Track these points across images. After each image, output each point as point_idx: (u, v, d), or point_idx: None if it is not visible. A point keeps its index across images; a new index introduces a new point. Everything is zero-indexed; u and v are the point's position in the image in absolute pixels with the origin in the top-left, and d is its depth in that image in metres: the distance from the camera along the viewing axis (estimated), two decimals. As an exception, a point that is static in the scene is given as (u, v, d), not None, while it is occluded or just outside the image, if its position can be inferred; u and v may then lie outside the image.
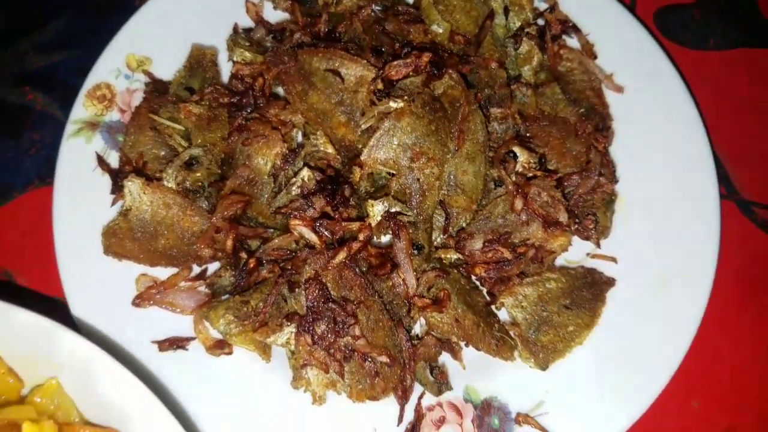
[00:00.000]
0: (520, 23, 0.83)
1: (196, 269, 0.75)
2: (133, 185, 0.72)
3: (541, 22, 0.86)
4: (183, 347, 0.70)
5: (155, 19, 0.85)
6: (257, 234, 0.74)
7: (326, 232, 0.69)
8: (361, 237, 0.69)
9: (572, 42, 0.87)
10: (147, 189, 0.72)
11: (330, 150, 0.76)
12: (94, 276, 0.73)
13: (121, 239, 0.72)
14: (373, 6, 0.82)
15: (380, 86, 0.74)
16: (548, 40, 0.83)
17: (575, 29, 0.87)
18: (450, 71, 0.73)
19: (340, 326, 0.64)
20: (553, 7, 0.88)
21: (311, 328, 0.64)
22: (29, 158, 0.87)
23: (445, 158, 0.71)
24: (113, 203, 0.76)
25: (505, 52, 0.80)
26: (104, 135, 0.80)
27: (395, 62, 0.74)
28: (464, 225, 0.72)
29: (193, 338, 0.71)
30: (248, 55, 0.79)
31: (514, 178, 0.72)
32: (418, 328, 0.71)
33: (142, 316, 0.72)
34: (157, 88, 0.82)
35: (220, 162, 0.76)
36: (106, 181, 0.77)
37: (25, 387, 0.59)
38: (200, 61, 0.82)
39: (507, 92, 0.76)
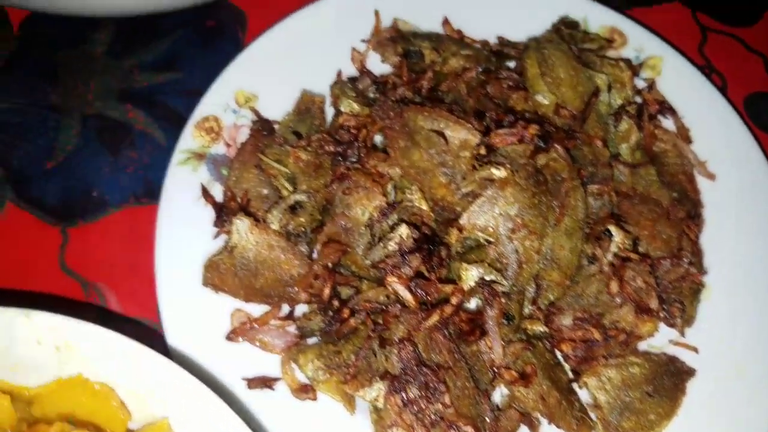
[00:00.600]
0: (621, 101, 0.85)
1: (285, 308, 0.78)
2: (242, 224, 0.74)
3: (638, 99, 0.88)
4: (270, 387, 0.73)
5: (264, 57, 0.88)
6: (349, 282, 0.76)
7: (421, 293, 0.71)
8: (453, 301, 0.70)
9: (667, 123, 0.88)
10: (254, 229, 0.74)
11: (424, 207, 0.78)
12: (190, 306, 0.76)
13: (223, 274, 0.75)
14: (478, 68, 0.85)
15: (483, 152, 0.76)
16: (645, 120, 0.85)
17: (671, 111, 0.88)
18: (556, 146, 0.75)
19: (432, 392, 0.66)
20: (651, 86, 0.89)
21: (403, 390, 0.66)
22: (126, 176, 0.90)
23: (545, 232, 0.72)
24: (216, 236, 0.79)
25: (607, 129, 0.82)
26: (209, 166, 0.83)
27: (501, 131, 0.76)
28: (553, 298, 0.74)
29: (280, 379, 0.73)
30: (356, 107, 0.81)
31: (609, 258, 0.74)
32: (497, 397, 0.73)
33: (233, 350, 0.74)
34: (262, 126, 0.85)
35: (321, 208, 0.79)
36: (209, 212, 0.80)
37: (133, 422, 0.61)
38: (309, 107, 0.84)
39: (610, 172, 0.78)
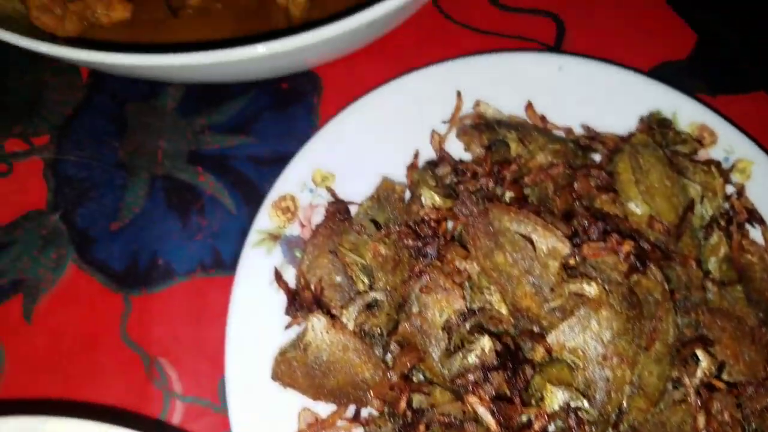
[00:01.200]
0: (712, 211, 0.82)
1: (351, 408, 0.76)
2: (318, 323, 0.72)
3: (726, 205, 0.85)
4: (338, 493, 0.70)
5: (341, 134, 0.86)
6: (422, 389, 0.73)
7: (502, 416, 0.68)
8: (536, 427, 0.68)
9: (755, 233, 0.85)
10: (330, 329, 0.72)
11: (504, 311, 0.76)
12: (258, 398, 0.74)
13: (294, 371, 0.73)
14: (565, 164, 0.82)
15: (573, 262, 0.73)
16: (734, 230, 0.82)
17: (760, 221, 0.85)
18: (652, 267, 0.72)
19: None
20: (740, 192, 0.86)
21: None
22: (194, 244, 0.88)
23: (637, 360, 0.70)
24: (287, 326, 0.76)
25: (699, 244, 0.79)
26: (283, 248, 0.81)
27: (594, 244, 0.73)
28: (636, 424, 0.71)
29: (347, 487, 0.71)
30: (437, 199, 0.79)
31: (695, 384, 0.71)
32: None
33: (300, 452, 0.72)
34: (338, 209, 0.82)
35: (397, 306, 0.76)
36: (282, 297, 0.78)
37: None
38: (388, 195, 0.82)
39: (703, 295, 0.75)
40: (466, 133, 0.84)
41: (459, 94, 0.89)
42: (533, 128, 0.87)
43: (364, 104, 0.88)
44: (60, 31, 0.82)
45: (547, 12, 1.04)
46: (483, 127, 0.85)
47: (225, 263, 0.87)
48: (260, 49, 0.71)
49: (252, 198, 0.90)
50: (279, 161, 0.92)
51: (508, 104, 0.90)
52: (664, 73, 1.00)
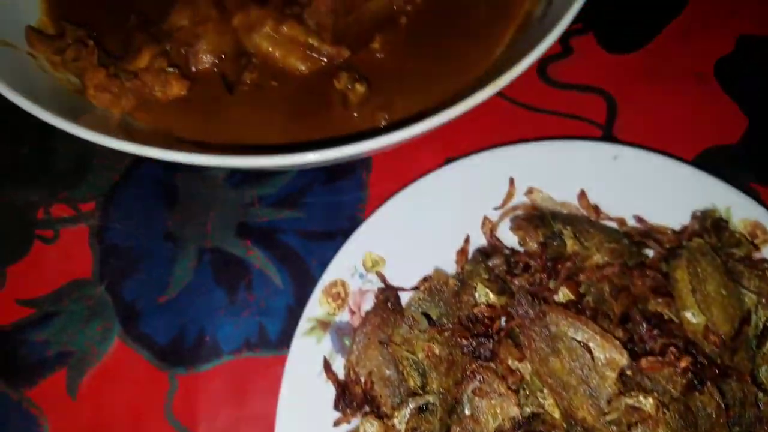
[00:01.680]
0: (765, 318, 0.81)
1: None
2: (370, 428, 0.71)
3: None
4: None
5: (393, 218, 0.85)
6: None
7: None
8: None
9: (807, 337, 0.84)
10: (383, 434, 0.71)
11: (557, 416, 0.75)
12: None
13: (344, 473, 0.72)
14: (620, 263, 0.81)
15: (630, 373, 0.73)
16: (787, 336, 0.81)
17: (814, 325, 0.84)
18: (710, 385, 0.71)
19: None
20: (794, 295, 0.85)
21: None
22: (241, 321, 0.88)
23: (692, 478, 0.69)
24: (335, 424, 0.76)
25: (752, 354, 0.78)
26: (333, 336, 0.80)
27: (652, 358, 0.72)
28: None
29: None
30: (492, 297, 0.78)
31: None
32: None
33: None
34: (389, 297, 0.82)
35: (449, 407, 0.76)
36: (331, 389, 0.77)
37: None
38: (441, 289, 0.81)
39: (758, 413, 0.74)
40: (521, 228, 0.84)
41: (511, 181, 0.88)
42: (587, 221, 0.86)
43: (415, 189, 0.87)
44: (115, 108, 0.81)
45: (597, 89, 1.03)
46: (537, 220, 0.84)
47: (271, 342, 0.86)
48: (318, 156, 0.70)
49: (299, 274, 0.90)
50: (327, 237, 0.92)
51: (560, 192, 0.89)
52: (714, 157, 0.99)
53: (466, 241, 0.87)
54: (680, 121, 1.02)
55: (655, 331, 0.76)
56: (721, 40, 1.09)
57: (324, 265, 0.88)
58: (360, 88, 0.83)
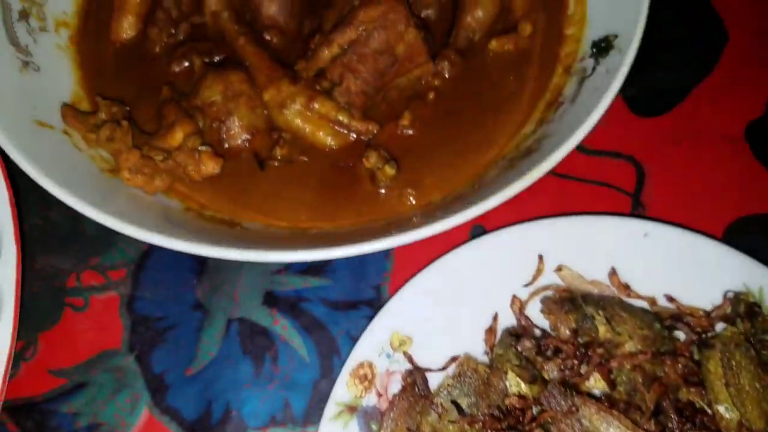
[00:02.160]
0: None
1: None
2: None
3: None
4: None
5: (422, 296, 0.85)
6: None
7: None
8: None
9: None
10: None
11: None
12: None
13: None
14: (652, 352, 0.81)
15: (661, 470, 0.73)
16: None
17: None
18: (744, 487, 0.71)
19: None
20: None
21: None
22: (267, 394, 0.88)
23: None
24: None
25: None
26: (359, 421, 0.80)
27: (685, 459, 0.72)
28: None
29: None
30: (524, 387, 0.78)
31: None
32: None
33: None
34: (416, 379, 0.82)
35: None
36: (358, 478, 0.78)
37: None
38: (470, 375, 0.81)
39: None
40: (552, 313, 0.83)
41: (541, 258, 0.88)
42: (618, 303, 0.85)
43: (442, 264, 0.87)
44: (149, 189, 0.82)
45: (626, 155, 1.03)
46: (569, 304, 0.84)
47: (296, 419, 0.86)
48: (344, 252, 0.71)
49: (324, 345, 0.90)
50: (352, 306, 0.92)
51: (590, 268, 0.88)
52: (746, 226, 0.98)
53: (495, 319, 0.86)
54: (711, 188, 1.01)
55: (687, 425, 0.75)
56: (752, 102, 1.07)
57: (349, 335, 0.89)
58: (389, 170, 0.83)
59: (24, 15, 0.90)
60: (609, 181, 1.01)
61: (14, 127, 0.77)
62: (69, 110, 0.84)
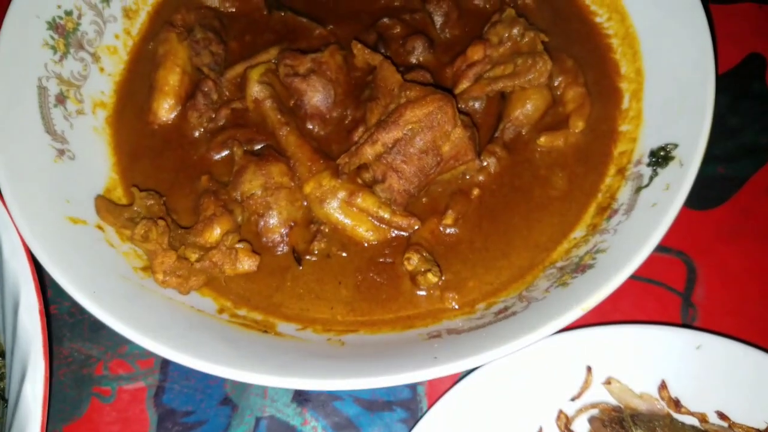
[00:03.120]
0: None
1: None
2: None
3: None
4: None
5: (461, 408, 0.81)
6: None
7: None
8: None
9: None
10: None
11: None
12: None
13: None
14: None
15: None
16: None
17: None
18: None
19: None
20: None
21: None
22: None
23: None
24: None
25: None
26: None
27: None
28: None
29: None
30: None
31: None
32: None
33: None
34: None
35: None
36: None
37: None
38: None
39: None
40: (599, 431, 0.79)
41: (589, 369, 0.83)
42: (668, 422, 0.81)
43: (483, 374, 0.83)
44: (182, 290, 0.79)
45: (677, 251, 0.98)
46: (617, 425, 0.79)
47: None
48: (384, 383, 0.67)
49: (357, 448, 0.86)
50: (386, 407, 0.88)
51: (640, 381, 0.84)
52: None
53: (540, 437, 0.82)
54: (764, 289, 0.96)
55: None
56: (811, 195, 1.02)
57: (382, 440, 0.85)
58: (432, 277, 0.79)
59: (61, 99, 0.88)
60: (659, 279, 0.96)
61: (46, 231, 0.75)
62: (103, 203, 0.82)
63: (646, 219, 0.73)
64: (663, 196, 0.75)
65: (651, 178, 0.80)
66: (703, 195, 1.01)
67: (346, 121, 0.92)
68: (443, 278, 0.83)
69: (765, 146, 1.04)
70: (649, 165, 0.81)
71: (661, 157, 0.79)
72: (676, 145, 0.79)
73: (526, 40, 0.87)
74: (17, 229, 0.74)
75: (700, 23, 0.84)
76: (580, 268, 0.77)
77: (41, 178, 0.80)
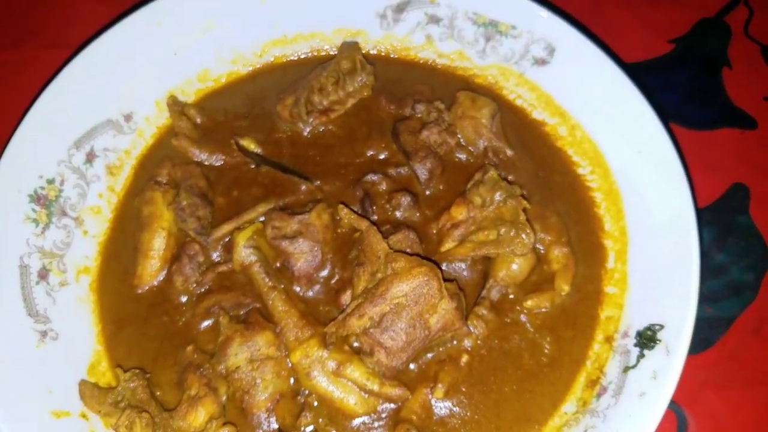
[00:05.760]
0: None
1: None
2: None
3: None
4: None
5: None
6: None
7: None
8: None
9: None
10: None
11: None
12: None
13: None
14: None
15: None
16: None
17: None
18: None
19: None
20: None
21: None
22: None
23: None
24: None
25: None
26: None
27: None
28: None
29: None
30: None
31: None
32: None
33: None
34: None
35: None
36: None
37: None
38: None
39: None
40: None
41: None
42: None
43: None
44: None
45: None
46: None
47: None
48: None
49: None
50: None
51: None
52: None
53: None
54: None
55: None
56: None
57: None
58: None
59: (43, 274, 0.87)
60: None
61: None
62: (87, 388, 0.81)
63: (636, 413, 0.73)
64: (651, 386, 0.74)
65: (638, 359, 0.79)
66: (692, 338, 1.01)
67: (333, 281, 0.92)
68: (434, 453, 0.82)
69: (750, 284, 1.04)
70: (636, 345, 0.81)
71: (647, 338, 0.79)
72: (662, 326, 0.79)
73: (509, 206, 0.87)
74: (-2, 433, 0.73)
75: (684, 193, 0.84)
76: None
77: (22, 372, 0.78)
